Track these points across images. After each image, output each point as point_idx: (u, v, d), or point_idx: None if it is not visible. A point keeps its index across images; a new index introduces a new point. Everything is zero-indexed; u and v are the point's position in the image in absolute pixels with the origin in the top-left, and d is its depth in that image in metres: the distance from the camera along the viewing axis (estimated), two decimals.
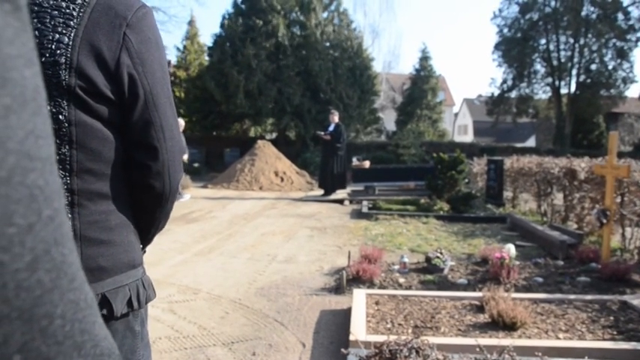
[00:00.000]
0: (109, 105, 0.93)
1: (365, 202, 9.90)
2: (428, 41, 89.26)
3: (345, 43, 21.61)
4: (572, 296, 3.91)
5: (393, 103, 33.13)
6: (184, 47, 23.78)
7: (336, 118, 11.47)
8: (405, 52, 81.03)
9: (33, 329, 0.23)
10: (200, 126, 22.64)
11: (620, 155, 12.59)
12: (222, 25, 21.28)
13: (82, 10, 0.91)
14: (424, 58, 29.03)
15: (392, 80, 38.04)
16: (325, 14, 22.18)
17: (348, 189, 11.89)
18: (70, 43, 0.88)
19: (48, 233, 0.25)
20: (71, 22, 0.89)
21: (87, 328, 0.27)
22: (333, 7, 22.52)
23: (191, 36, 24.06)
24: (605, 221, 4.97)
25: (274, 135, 23.66)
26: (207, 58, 23.08)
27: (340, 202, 10.67)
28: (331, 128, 11.36)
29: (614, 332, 3.23)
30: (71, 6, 0.90)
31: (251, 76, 19.75)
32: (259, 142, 14.86)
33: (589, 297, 3.89)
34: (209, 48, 22.18)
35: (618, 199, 5.69)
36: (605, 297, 3.87)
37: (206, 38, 60.97)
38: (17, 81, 0.24)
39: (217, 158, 20.93)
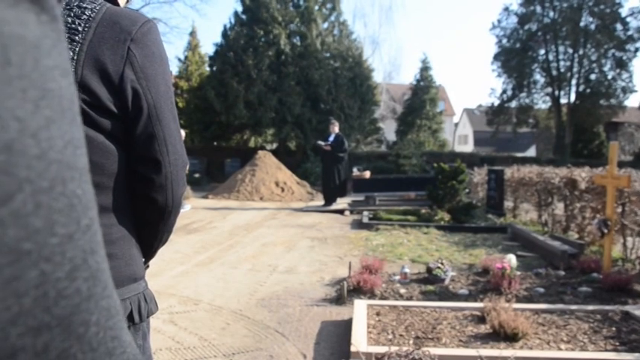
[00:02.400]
0: (113, 119, 0.94)
1: (365, 213, 9.89)
2: (428, 52, 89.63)
3: (346, 54, 21.72)
4: (573, 307, 3.90)
5: (394, 113, 33.24)
6: (186, 58, 23.91)
7: (336, 128, 11.49)
8: (405, 63, 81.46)
9: (71, 337, 0.24)
10: (201, 136, 22.69)
11: (621, 165, 12.61)
12: (223, 35, 21.41)
13: (87, 25, 0.92)
14: (424, 69, 29.16)
15: (392, 90, 38.19)
16: (325, 25, 22.31)
17: (349, 199, 11.88)
18: (75, 57, 0.89)
19: (85, 242, 0.25)
20: (76, 37, 0.91)
21: (117, 334, 0.28)
22: (333, 18, 22.66)
23: (192, 47, 24.20)
24: (606, 231, 4.97)
25: (275, 145, 23.70)
26: (207, 68, 23.21)
27: (341, 212, 10.66)
28: (331, 138, 11.38)
29: (617, 343, 3.22)
30: (77, 21, 0.92)
31: (251, 87, 19.82)
32: (260, 152, 14.87)
33: (591, 307, 3.88)
34: (210, 58, 22.30)
35: (619, 209, 5.68)
36: (607, 307, 3.86)
37: (207, 48, 61.32)
38: (55, 91, 0.25)
39: (218, 169, 20.96)
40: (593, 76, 26.89)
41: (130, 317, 0.98)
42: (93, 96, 0.91)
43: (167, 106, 1.01)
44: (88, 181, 0.27)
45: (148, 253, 1.11)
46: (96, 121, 0.92)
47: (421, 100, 28.71)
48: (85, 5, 0.94)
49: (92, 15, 0.93)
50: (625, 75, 26.46)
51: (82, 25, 0.92)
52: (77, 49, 0.90)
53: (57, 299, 0.23)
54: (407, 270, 4.87)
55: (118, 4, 1.06)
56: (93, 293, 0.25)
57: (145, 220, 1.05)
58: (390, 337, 3.32)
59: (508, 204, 10.25)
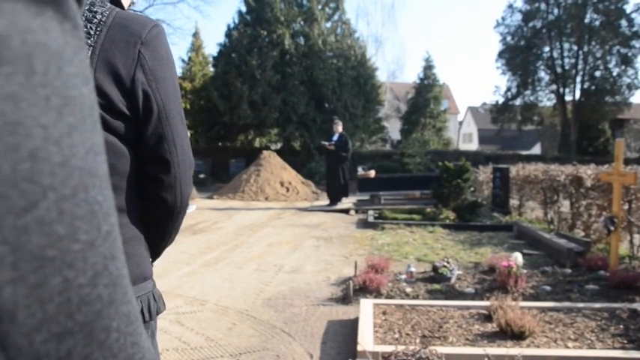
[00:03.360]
0: (124, 120, 0.96)
1: (371, 212, 9.89)
2: (431, 50, 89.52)
3: (349, 52, 21.72)
4: (580, 304, 3.89)
5: (398, 112, 33.19)
6: (189, 59, 23.96)
7: (340, 127, 11.49)
8: (408, 61, 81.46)
9: (93, 343, 0.24)
10: (205, 137, 22.73)
11: (627, 162, 12.55)
12: (227, 36, 21.45)
13: (98, 29, 0.93)
14: (428, 67, 29.12)
15: (396, 89, 38.13)
16: (329, 24, 22.32)
17: (354, 198, 11.88)
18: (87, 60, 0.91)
19: (106, 248, 0.25)
20: (88, 41, 0.92)
21: (136, 340, 0.28)
22: (336, 17, 22.67)
23: (196, 48, 24.24)
24: (612, 229, 4.94)
25: (279, 145, 23.73)
26: (211, 69, 23.25)
27: (346, 211, 10.66)
28: (335, 138, 11.38)
29: (625, 341, 3.21)
30: (88, 25, 0.93)
31: (255, 87, 19.85)
32: (264, 152, 14.89)
33: (598, 305, 3.86)
34: (214, 58, 22.34)
35: (626, 206, 5.66)
36: (615, 305, 3.85)
37: (211, 49, 61.38)
38: (77, 99, 0.25)
39: (223, 169, 20.99)
40: (598, 73, 26.78)
41: (141, 315, 0.99)
42: (106, 98, 0.92)
43: (175, 107, 1.03)
44: (109, 187, 0.27)
45: (155, 252, 1.13)
46: (109, 123, 0.94)
47: (425, 99, 28.67)
48: (95, 9, 0.95)
49: (103, 19, 0.95)
50: (630, 71, 26.36)
51: (94, 28, 0.93)
52: (90, 52, 0.92)
53: (79, 305, 0.23)
54: (413, 269, 4.87)
55: (122, 7, 1.08)
56: (114, 299, 0.26)
57: (154, 220, 1.07)
58: (397, 336, 3.32)
59: (513, 202, 10.22)
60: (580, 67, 26.83)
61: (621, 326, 3.44)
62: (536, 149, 36.87)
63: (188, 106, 22.66)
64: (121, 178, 0.97)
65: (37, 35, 0.23)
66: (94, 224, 0.25)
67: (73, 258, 0.23)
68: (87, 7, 0.95)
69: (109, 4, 0.99)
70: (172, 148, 1.02)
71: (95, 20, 0.94)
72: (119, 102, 0.94)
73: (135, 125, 0.98)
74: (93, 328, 0.24)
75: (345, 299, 4.30)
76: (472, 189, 10.73)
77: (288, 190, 13.55)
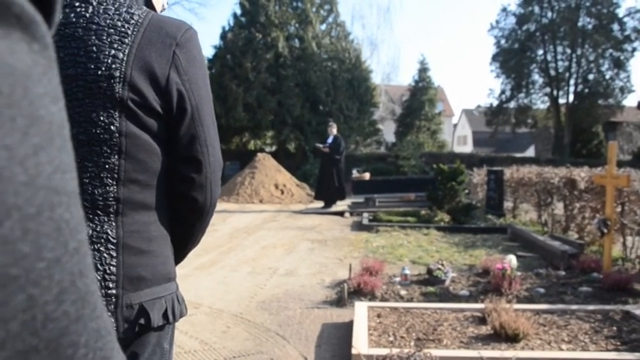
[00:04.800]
0: (158, 119, 0.98)
1: (365, 214, 9.90)
2: (426, 53, 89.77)
3: (343, 55, 21.74)
4: (574, 307, 3.90)
5: (393, 114, 33.24)
6: None
7: (334, 130, 11.52)
8: (403, 64, 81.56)
9: (59, 359, 0.24)
10: None
11: (620, 164, 12.61)
12: (222, 37, 21.43)
13: (135, 29, 0.96)
14: (423, 70, 29.19)
15: (391, 92, 38.20)
16: (323, 26, 22.34)
17: (349, 201, 11.88)
18: (125, 58, 0.94)
19: (74, 265, 0.25)
20: (126, 40, 0.95)
21: (107, 355, 0.28)
22: (331, 20, 22.69)
23: None
24: (605, 231, 4.97)
25: (274, 148, 23.70)
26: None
27: (341, 214, 10.66)
28: (330, 140, 11.40)
29: (618, 343, 3.22)
30: (126, 25, 0.96)
31: (250, 89, 19.83)
32: (259, 154, 14.86)
33: (591, 307, 3.88)
34: (209, 60, 22.31)
35: (619, 209, 5.69)
36: (608, 307, 3.86)
37: (206, 51, 61.21)
38: (45, 118, 0.25)
39: None
40: (591, 76, 26.91)
41: (165, 316, 1.00)
42: (141, 96, 0.95)
43: (208, 108, 1.05)
44: (78, 204, 0.27)
45: (181, 253, 1.14)
46: (142, 120, 0.96)
47: (420, 102, 28.73)
48: (133, 11, 0.98)
49: (140, 20, 0.97)
50: (623, 75, 26.50)
51: (131, 29, 0.96)
52: (127, 50, 0.94)
53: (45, 322, 0.23)
54: (407, 271, 4.87)
55: (155, 10, 1.13)
56: (81, 315, 0.25)
57: (183, 220, 1.09)
58: (391, 339, 3.32)
59: (508, 204, 10.25)
60: (573, 70, 26.96)
61: (614, 328, 3.46)
62: (530, 152, 37.01)
63: None
64: (151, 176, 0.99)
65: (3, 57, 0.23)
66: (61, 242, 0.24)
67: (38, 276, 0.23)
68: (125, 9, 0.98)
69: (144, 7, 1.03)
70: (204, 149, 1.03)
71: (133, 21, 0.97)
72: (153, 100, 0.96)
73: (168, 124, 1.00)
74: (59, 344, 0.24)
75: (339, 302, 4.30)
76: (466, 191, 10.75)
77: (282, 192, 13.54)
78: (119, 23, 0.96)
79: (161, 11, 1.20)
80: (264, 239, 7.58)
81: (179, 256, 1.13)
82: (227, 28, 21.60)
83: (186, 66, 1.00)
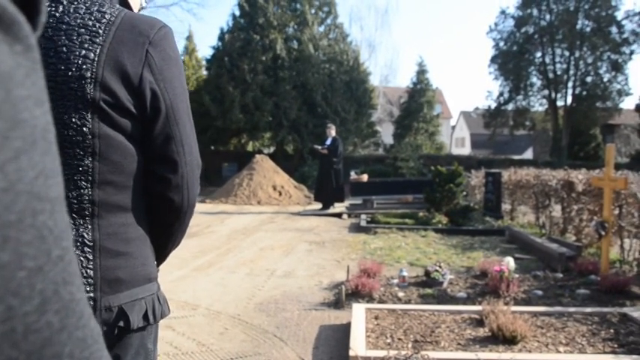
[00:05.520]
0: (132, 119, 0.97)
1: (363, 216, 9.89)
2: (424, 55, 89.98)
3: (341, 57, 21.75)
4: (571, 309, 3.91)
5: (391, 116, 33.27)
6: (183, 62, 23.85)
7: (333, 132, 11.53)
8: (401, 66, 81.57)
9: None
10: (198, 141, 22.56)
11: (617, 167, 12.63)
12: (220, 39, 21.42)
13: (107, 29, 0.95)
14: (421, 72, 29.20)
15: (389, 94, 38.24)
16: (322, 28, 22.36)
17: (347, 202, 11.88)
18: (96, 58, 0.92)
19: (57, 273, 0.24)
20: (97, 39, 0.93)
21: None
22: (329, 21, 22.72)
23: (189, 51, 24.19)
24: (603, 233, 4.98)
25: (272, 149, 23.70)
26: (204, 72, 23.22)
27: (338, 215, 10.66)
28: (328, 142, 11.41)
29: (615, 345, 3.22)
30: (97, 24, 0.94)
31: (247, 91, 19.83)
32: (257, 156, 14.87)
33: (589, 309, 3.88)
34: (207, 61, 22.31)
35: (616, 211, 5.70)
36: (605, 309, 3.87)
37: (204, 51, 61.28)
38: (28, 121, 0.24)
39: (215, 173, 20.92)
40: (589, 79, 26.96)
41: (145, 317, 0.99)
42: (113, 96, 0.93)
43: (183, 107, 1.04)
44: (62, 210, 0.26)
45: (162, 255, 1.13)
46: (116, 121, 0.94)
47: (418, 103, 28.74)
48: (104, 10, 0.97)
49: (112, 19, 0.96)
50: (620, 78, 26.56)
51: (103, 28, 0.94)
52: (98, 50, 0.93)
53: (25, 334, 0.22)
54: (405, 273, 4.87)
55: (131, 9, 1.10)
56: (65, 325, 0.25)
57: (161, 220, 1.07)
58: (389, 341, 3.32)
59: (505, 206, 10.26)
60: (571, 72, 27.02)
61: (612, 330, 3.46)
62: (528, 154, 37.06)
63: None
64: (127, 177, 0.97)
65: None
66: (43, 250, 0.23)
67: (18, 285, 0.22)
68: (96, 8, 0.96)
69: (118, 6, 1.01)
70: (180, 148, 1.02)
71: (104, 20, 0.95)
72: (126, 100, 0.95)
73: (142, 124, 0.99)
74: (42, 355, 0.23)
75: (337, 304, 4.29)
76: (464, 193, 10.76)
77: (280, 194, 13.53)
78: (90, 22, 0.94)
79: (139, 10, 1.18)
80: (262, 241, 7.57)
81: (160, 256, 1.12)
82: (225, 30, 21.61)
83: (161, 64, 0.99)
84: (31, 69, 0.25)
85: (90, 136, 0.92)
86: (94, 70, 0.91)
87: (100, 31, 0.94)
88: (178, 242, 1.16)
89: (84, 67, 0.91)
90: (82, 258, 0.92)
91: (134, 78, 0.95)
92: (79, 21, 0.94)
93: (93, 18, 0.95)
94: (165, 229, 1.08)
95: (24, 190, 0.23)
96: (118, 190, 0.96)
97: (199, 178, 1.11)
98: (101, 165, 0.93)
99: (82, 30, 0.93)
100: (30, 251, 0.23)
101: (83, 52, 0.92)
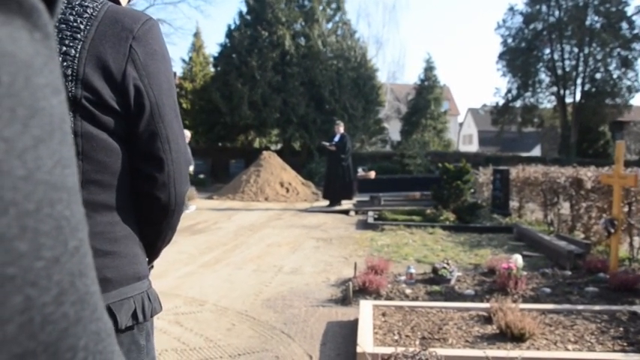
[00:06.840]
0: (115, 116, 0.94)
1: (371, 213, 9.88)
2: (432, 51, 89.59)
3: (348, 53, 21.71)
4: (580, 307, 3.88)
5: (398, 113, 33.17)
6: (190, 59, 23.95)
7: (341, 128, 11.53)
8: (409, 63, 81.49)
9: None
10: (205, 137, 22.74)
11: (627, 164, 12.53)
12: (228, 36, 21.45)
13: (89, 24, 0.92)
14: (428, 68, 29.12)
15: (396, 90, 38.12)
16: (330, 25, 22.33)
17: (354, 199, 11.87)
18: (77, 55, 0.90)
19: (73, 265, 0.24)
20: (78, 35, 0.91)
21: (107, 358, 0.27)
22: (337, 18, 22.68)
23: (197, 48, 24.24)
24: (612, 231, 4.94)
25: (279, 146, 23.73)
26: (212, 69, 23.27)
27: (346, 212, 10.66)
28: (337, 139, 11.41)
29: (625, 343, 3.20)
30: (78, 19, 0.92)
31: (255, 87, 19.86)
32: (264, 152, 14.88)
33: (598, 307, 3.86)
34: (215, 58, 22.35)
35: (626, 209, 5.65)
36: (614, 307, 3.84)
37: (211, 49, 61.32)
38: (46, 110, 0.24)
39: (223, 169, 20.99)
40: (598, 75, 26.78)
41: (134, 316, 0.97)
42: (95, 94, 0.91)
43: (169, 103, 1.01)
44: (78, 201, 0.26)
45: (152, 252, 1.11)
46: (99, 119, 0.92)
47: (425, 100, 28.67)
48: (86, 4, 0.94)
49: (94, 13, 0.93)
50: (630, 74, 26.38)
51: (84, 23, 0.92)
52: (79, 47, 0.90)
53: (43, 325, 0.22)
54: (412, 270, 4.86)
55: (119, 3, 1.06)
56: (81, 317, 0.24)
57: (149, 219, 1.05)
58: (396, 337, 3.31)
59: (513, 204, 10.22)
60: (580, 69, 26.84)
61: (621, 329, 3.43)
62: (537, 151, 36.86)
63: (189, 107, 22.67)
64: (112, 176, 0.95)
65: (4, 45, 0.22)
66: (60, 240, 0.23)
67: (36, 276, 0.22)
68: (78, 2, 0.93)
69: (102, 0, 0.98)
70: (166, 146, 0.99)
71: (86, 15, 0.92)
72: (109, 97, 0.92)
73: (127, 122, 0.96)
74: (58, 348, 0.23)
75: (344, 300, 4.29)
76: (472, 190, 10.72)
77: (288, 190, 13.54)
78: (71, 18, 0.91)
79: (128, 3, 1.14)
80: (269, 237, 7.58)
81: (150, 254, 1.10)
82: (233, 26, 21.64)
83: (145, 60, 0.96)
84: (49, 57, 0.25)
85: (72, 135, 0.89)
86: (75, 67, 0.89)
87: (82, 27, 0.91)
88: (169, 239, 1.13)
89: (64, 64, 0.89)
90: None
91: (117, 74, 0.92)
92: (59, 16, 0.91)
93: (74, 13, 0.92)
94: (153, 227, 1.06)
95: (42, 179, 0.23)
96: (103, 190, 0.94)
97: (189, 175, 1.07)
98: (85, 164, 0.91)
99: (63, 26, 0.91)
100: (48, 241, 0.23)
101: (64, 48, 0.89)
